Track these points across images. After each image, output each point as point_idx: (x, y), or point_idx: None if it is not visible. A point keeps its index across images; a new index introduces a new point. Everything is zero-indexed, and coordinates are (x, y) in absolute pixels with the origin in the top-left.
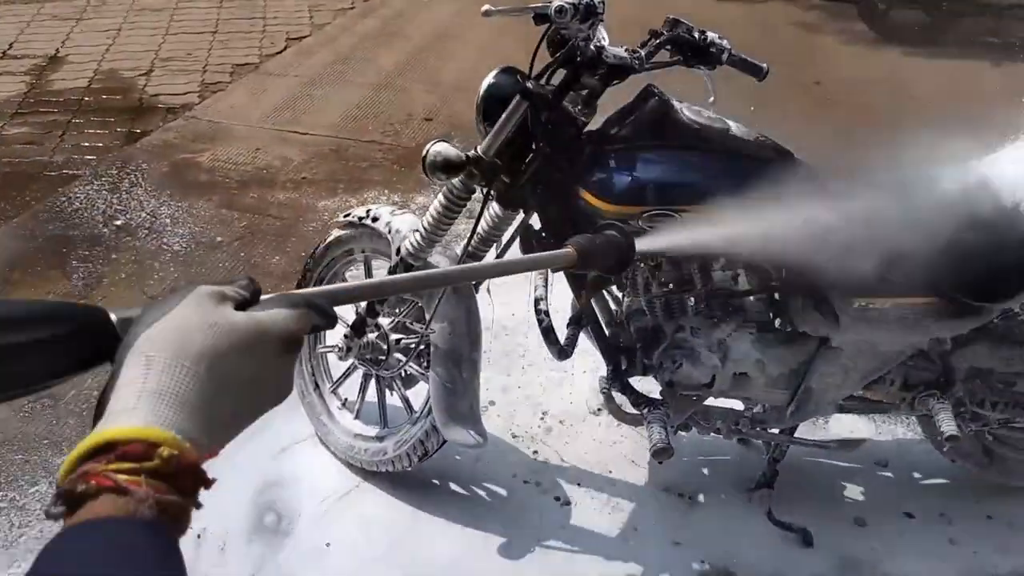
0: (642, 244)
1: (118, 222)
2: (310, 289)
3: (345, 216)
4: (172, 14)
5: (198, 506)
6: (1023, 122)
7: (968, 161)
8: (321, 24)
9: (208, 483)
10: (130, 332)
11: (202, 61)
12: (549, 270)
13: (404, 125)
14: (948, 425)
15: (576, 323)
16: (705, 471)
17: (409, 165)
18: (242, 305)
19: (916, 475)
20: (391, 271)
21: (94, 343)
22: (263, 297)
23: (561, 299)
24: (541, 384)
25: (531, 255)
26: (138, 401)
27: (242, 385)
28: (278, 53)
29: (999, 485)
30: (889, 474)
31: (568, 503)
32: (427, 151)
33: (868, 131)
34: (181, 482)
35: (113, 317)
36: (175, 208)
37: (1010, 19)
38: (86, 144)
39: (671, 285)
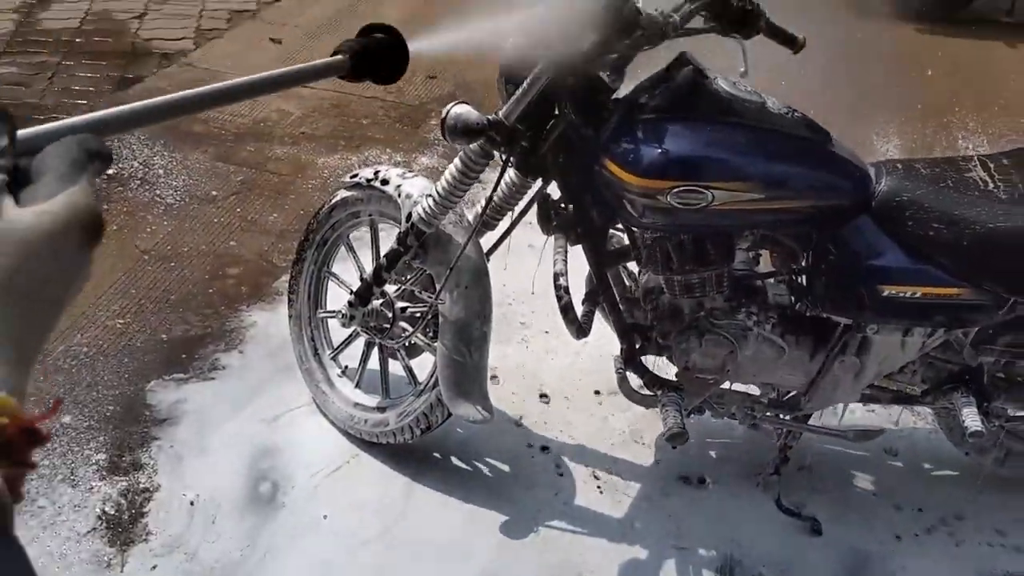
0: (416, 45)
1: (109, 171)
2: (76, 120)
3: (352, 177)
4: None
5: (34, 467)
6: None
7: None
8: None
9: (45, 439)
10: None
11: (198, 6)
12: (567, 243)
13: (407, 82)
14: (972, 420)
15: (592, 299)
16: (713, 454)
17: (412, 124)
18: (13, 180)
19: (926, 466)
20: (401, 237)
21: None
22: (27, 132)
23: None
24: (542, 357)
25: (301, 65)
26: None
27: (51, 296)
28: (277, 1)
29: (1010, 480)
30: (899, 464)
31: (571, 483)
32: (447, 113)
33: (886, 108)
34: (16, 451)
35: None
36: (168, 159)
37: None
38: (77, 88)
39: (690, 263)
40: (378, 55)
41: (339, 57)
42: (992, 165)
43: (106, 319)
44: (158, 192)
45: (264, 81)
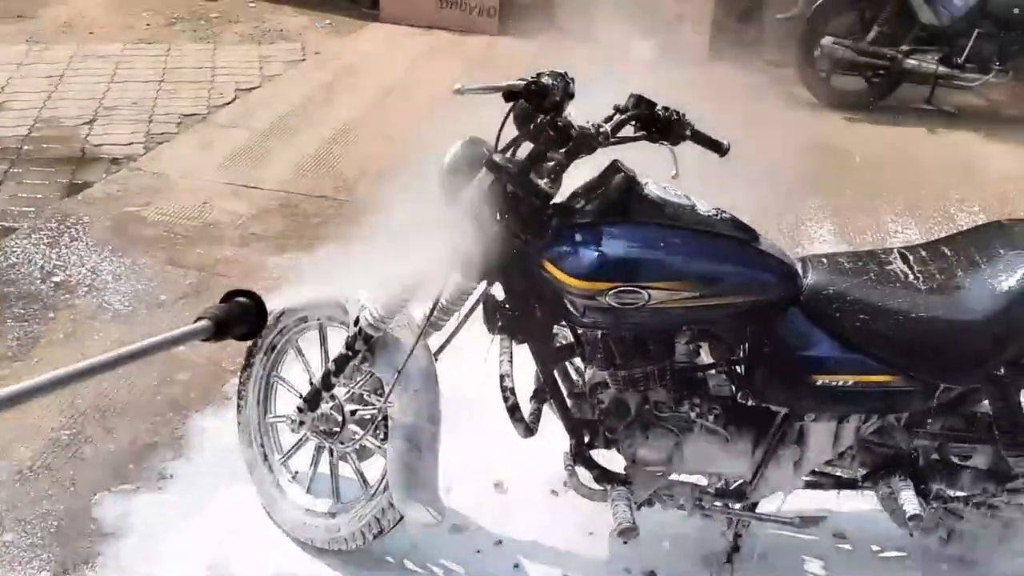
0: (274, 304)
1: (57, 279)
2: None
3: None
4: (117, 61)
5: None
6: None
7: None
8: (271, 75)
9: None
10: None
11: (148, 110)
12: (512, 343)
13: (357, 180)
14: (911, 504)
15: (539, 397)
16: (666, 544)
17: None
18: None
19: (874, 548)
20: (349, 342)
21: None
22: None
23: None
24: (493, 452)
25: (167, 334)
26: None
27: None
28: (227, 104)
29: (958, 559)
30: (848, 547)
31: None
32: None
33: (818, 194)
34: None
35: None
36: (117, 264)
37: (941, 88)
38: (24, 195)
39: (633, 358)
40: (239, 317)
41: (203, 323)
42: (911, 257)
43: (51, 431)
44: (106, 299)
45: (131, 353)
